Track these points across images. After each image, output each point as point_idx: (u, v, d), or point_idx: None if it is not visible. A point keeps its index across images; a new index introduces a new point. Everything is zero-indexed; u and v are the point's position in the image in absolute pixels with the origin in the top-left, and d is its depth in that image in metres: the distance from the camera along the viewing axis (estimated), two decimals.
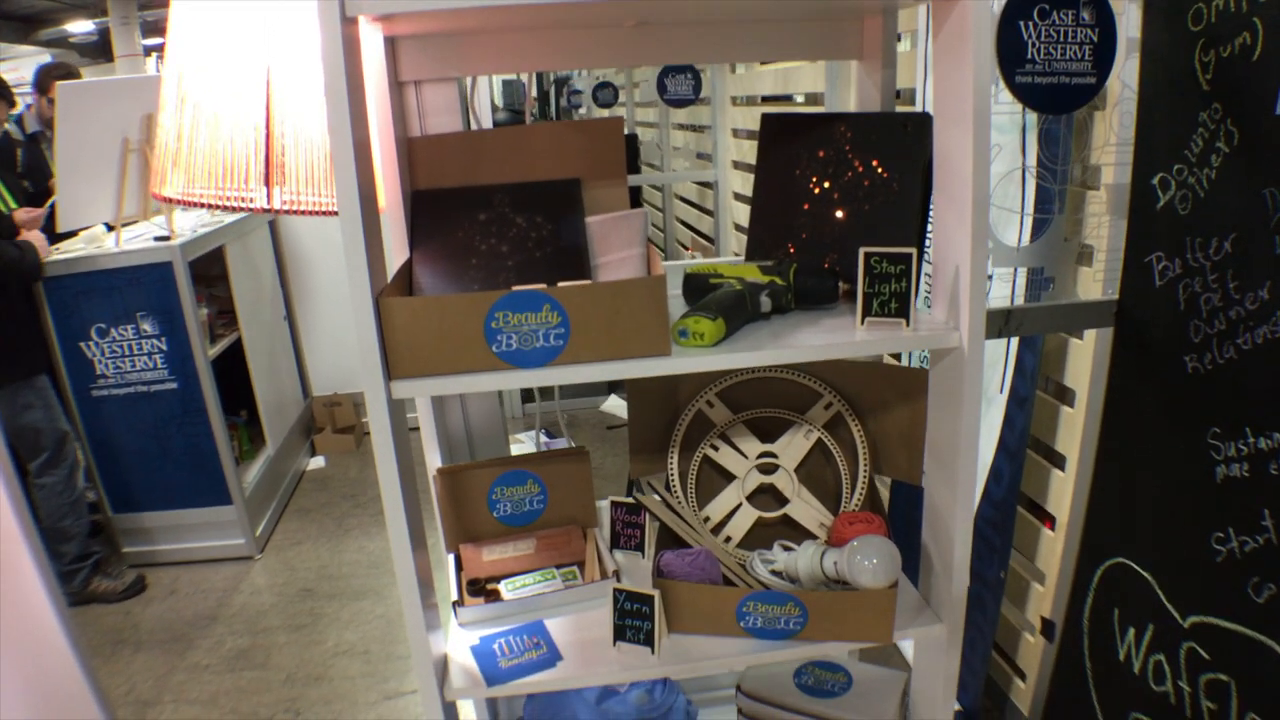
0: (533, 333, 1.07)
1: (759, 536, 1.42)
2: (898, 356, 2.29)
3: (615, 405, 4.46)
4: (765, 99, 3.70)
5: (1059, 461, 1.89)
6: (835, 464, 1.42)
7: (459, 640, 1.31)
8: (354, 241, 1.02)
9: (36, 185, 3.34)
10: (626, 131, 5.41)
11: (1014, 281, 1.85)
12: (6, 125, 3.43)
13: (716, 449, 1.45)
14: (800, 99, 3.35)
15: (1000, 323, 1.56)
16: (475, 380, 1.09)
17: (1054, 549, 1.88)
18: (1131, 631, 1.55)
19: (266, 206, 1.27)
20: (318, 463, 4.19)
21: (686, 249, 5.24)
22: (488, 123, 1.89)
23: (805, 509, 1.42)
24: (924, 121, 1.26)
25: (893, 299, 1.15)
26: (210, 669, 2.64)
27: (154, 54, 7.00)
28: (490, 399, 1.72)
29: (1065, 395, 1.86)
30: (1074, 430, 1.80)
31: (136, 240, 3.12)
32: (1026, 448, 1.84)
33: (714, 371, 1.45)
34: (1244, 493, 1.30)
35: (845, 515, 1.37)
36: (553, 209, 1.28)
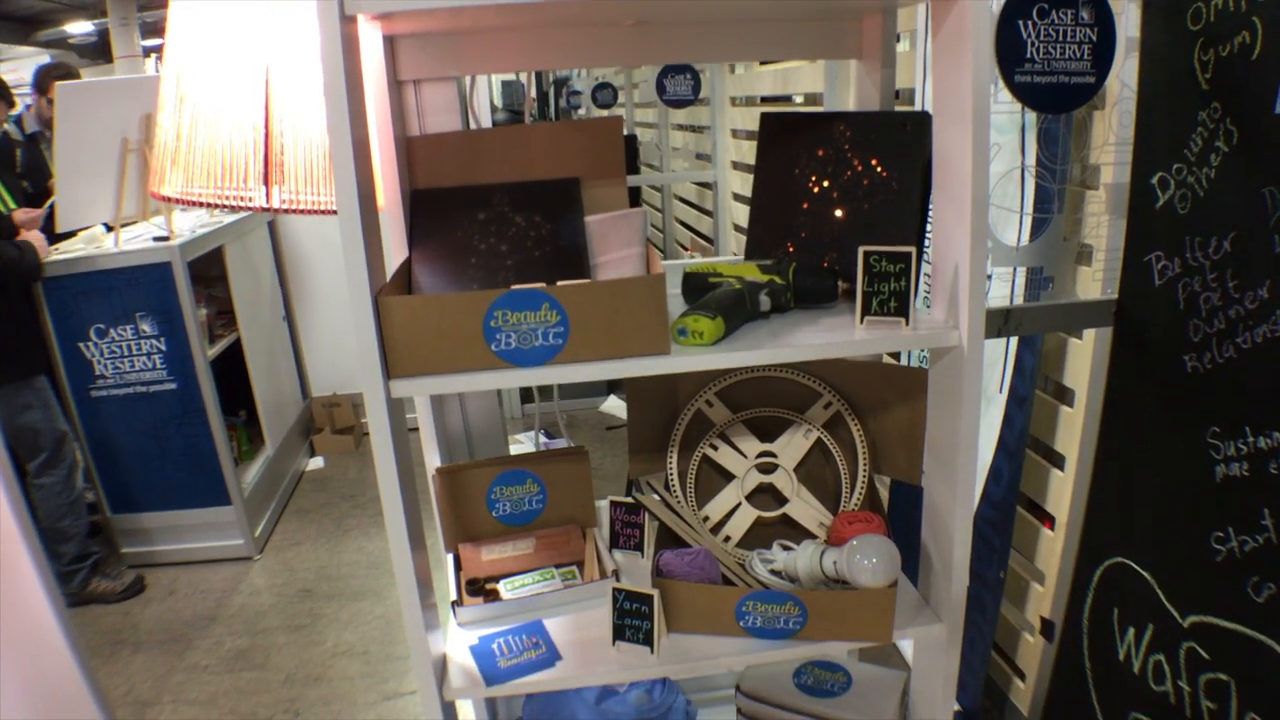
0: (532, 331, 1.07)
1: (758, 536, 1.41)
2: (897, 356, 2.28)
3: (614, 406, 4.46)
4: (764, 99, 3.70)
5: (1058, 461, 1.88)
6: (835, 463, 1.42)
7: (458, 640, 1.31)
8: (353, 240, 1.02)
9: (36, 185, 3.34)
10: (626, 132, 5.41)
11: (1013, 281, 1.85)
12: (6, 126, 3.43)
13: (716, 448, 1.45)
14: (799, 99, 3.35)
15: (999, 322, 1.56)
16: (474, 379, 1.09)
17: (1053, 549, 1.88)
18: (1131, 631, 1.55)
19: (265, 206, 1.26)
20: (317, 463, 4.19)
21: (686, 250, 5.23)
22: (487, 123, 1.89)
23: (804, 508, 1.42)
24: (923, 120, 1.26)
25: (892, 298, 1.15)
26: (209, 669, 2.64)
27: (153, 55, 6.99)
28: (489, 399, 1.71)
29: (1064, 395, 1.86)
30: (1073, 430, 1.80)
31: (136, 241, 3.12)
32: (1026, 447, 1.84)
33: (713, 371, 1.45)
34: (1244, 492, 1.30)
35: (844, 515, 1.36)
36: (552, 208, 1.27)
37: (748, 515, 1.42)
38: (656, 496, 1.44)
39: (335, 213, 1.03)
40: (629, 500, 1.50)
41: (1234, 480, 1.32)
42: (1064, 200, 1.73)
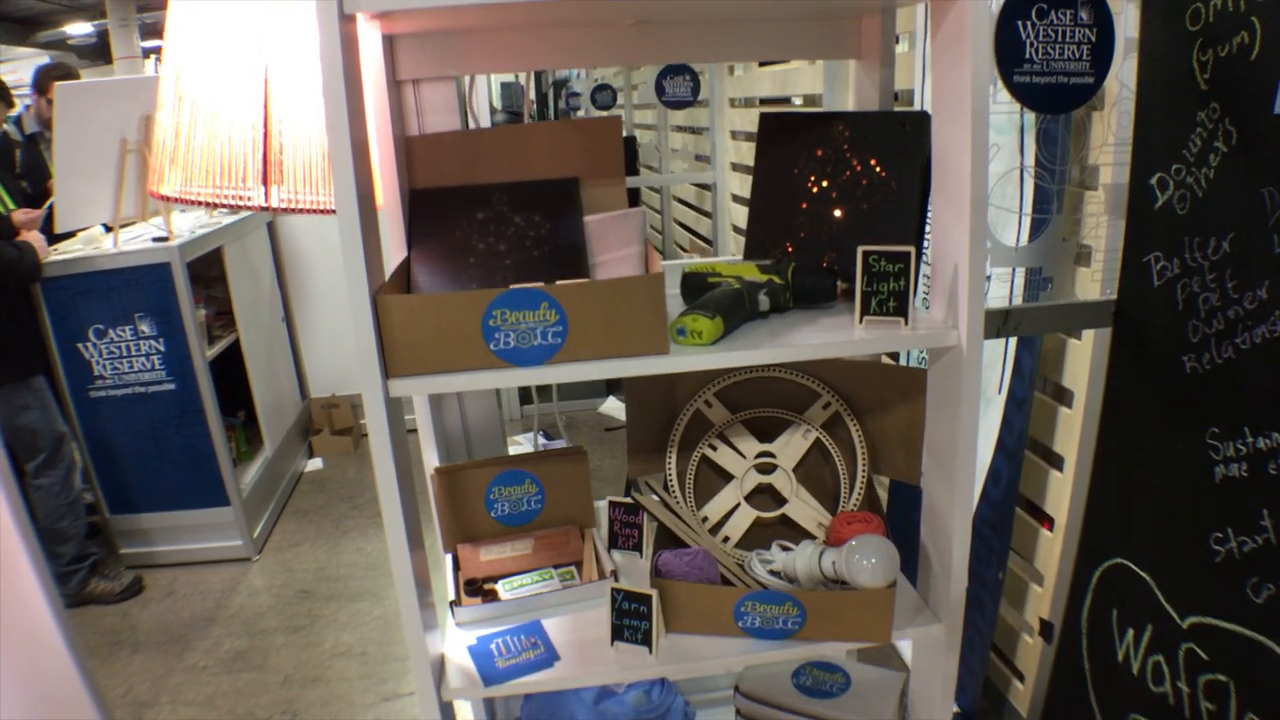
0: (530, 331, 1.07)
1: (757, 536, 1.41)
2: (896, 356, 2.28)
3: (613, 407, 4.46)
4: (763, 101, 3.70)
5: (1057, 462, 1.88)
6: (833, 464, 1.42)
7: (456, 640, 1.30)
8: (351, 239, 1.02)
9: (35, 186, 3.34)
10: (625, 134, 5.41)
11: (1012, 282, 1.85)
12: (5, 126, 3.43)
13: (715, 449, 1.45)
14: (798, 101, 3.35)
15: (998, 323, 1.56)
16: (473, 378, 1.09)
17: (1052, 550, 1.88)
18: (1130, 632, 1.54)
19: (264, 205, 1.26)
20: (315, 464, 4.19)
21: (685, 251, 5.24)
22: (486, 124, 1.89)
23: (803, 509, 1.41)
24: (922, 120, 1.26)
25: (891, 297, 1.15)
26: (207, 670, 2.64)
27: (153, 56, 7.00)
28: (488, 399, 1.71)
29: (1063, 396, 1.86)
30: (1072, 431, 1.79)
31: (135, 241, 3.11)
32: (1025, 449, 1.84)
33: (712, 371, 1.45)
34: (1243, 493, 1.30)
35: (843, 515, 1.36)
36: (551, 208, 1.27)
37: (746, 515, 1.42)
38: (655, 497, 1.44)
39: (334, 212, 1.03)
40: (628, 500, 1.50)
41: (1233, 481, 1.32)
42: (1063, 201, 1.73)
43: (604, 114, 5.02)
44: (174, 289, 3.01)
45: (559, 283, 1.08)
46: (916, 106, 2.18)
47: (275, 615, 2.93)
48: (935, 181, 1.21)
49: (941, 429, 1.26)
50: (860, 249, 1.15)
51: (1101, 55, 1.45)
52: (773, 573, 1.30)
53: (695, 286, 1.30)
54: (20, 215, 2.91)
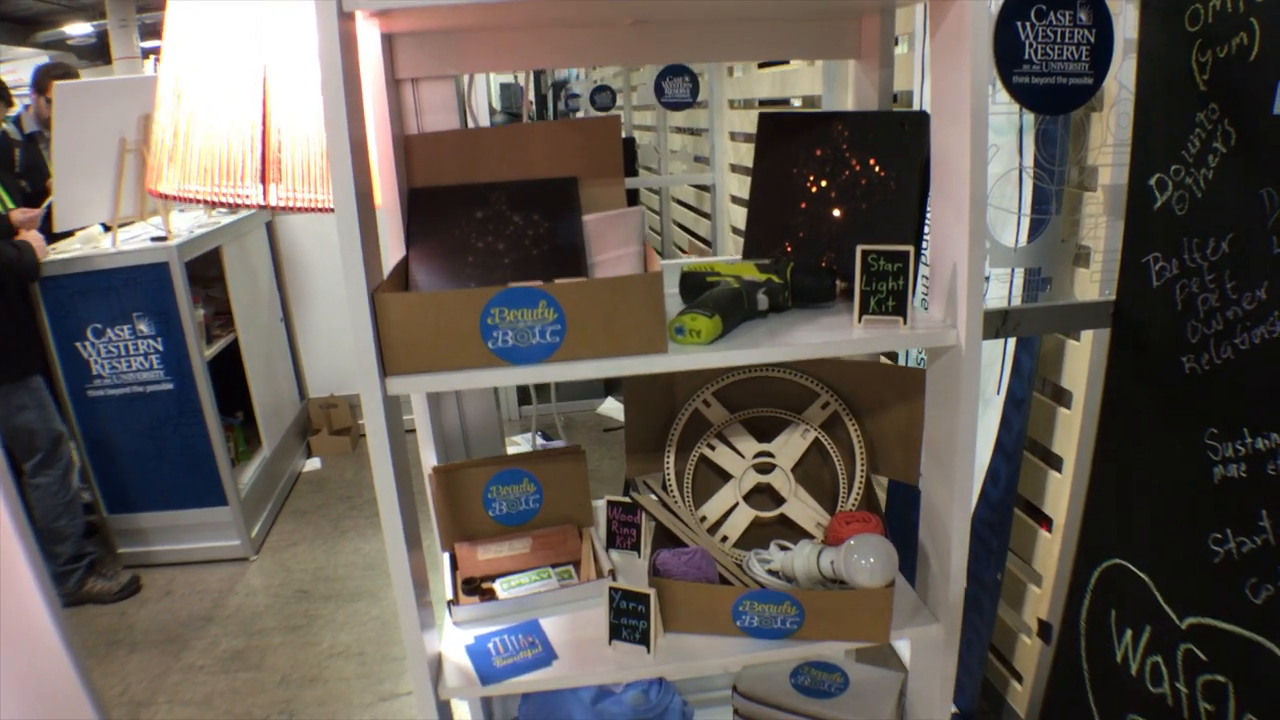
0: (529, 329, 1.07)
1: (756, 536, 1.41)
2: (894, 357, 2.28)
3: (612, 408, 4.46)
4: (762, 103, 3.70)
5: (1056, 463, 1.88)
6: (832, 464, 1.42)
7: (454, 639, 1.30)
8: (350, 238, 1.01)
9: (34, 185, 3.34)
10: (624, 135, 5.42)
11: (1011, 282, 1.85)
12: (4, 126, 3.43)
13: (713, 448, 1.45)
14: (798, 103, 3.35)
15: (997, 323, 1.56)
16: (471, 377, 1.09)
17: (1051, 551, 1.88)
18: (1129, 633, 1.54)
19: (263, 203, 1.26)
20: (314, 464, 4.18)
21: (684, 252, 5.24)
22: (485, 125, 1.89)
23: (802, 508, 1.41)
24: (921, 120, 1.26)
25: (890, 297, 1.15)
26: (205, 670, 2.63)
27: (152, 56, 7.00)
28: (486, 399, 1.71)
29: (1062, 397, 1.86)
30: (1071, 432, 1.79)
31: (133, 241, 3.11)
32: (1023, 449, 1.84)
33: (711, 370, 1.45)
34: (1242, 493, 1.30)
35: (842, 514, 1.36)
36: (550, 207, 1.27)
37: (745, 515, 1.42)
38: (653, 496, 1.44)
39: (332, 210, 1.03)
40: (626, 500, 1.50)
41: (1232, 481, 1.32)
42: (1062, 201, 1.74)
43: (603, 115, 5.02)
44: (172, 289, 3.01)
45: (557, 281, 1.07)
46: (915, 108, 2.18)
47: (273, 615, 2.92)
48: (934, 181, 1.21)
49: (940, 429, 1.25)
50: (859, 248, 1.15)
51: (1100, 56, 1.45)
52: (771, 572, 1.30)
53: (694, 286, 1.30)
54: (19, 214, 2.90)
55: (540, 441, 3.77)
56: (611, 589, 1.23)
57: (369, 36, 1.26)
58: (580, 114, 6.24)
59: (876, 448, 1.42)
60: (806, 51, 1.50)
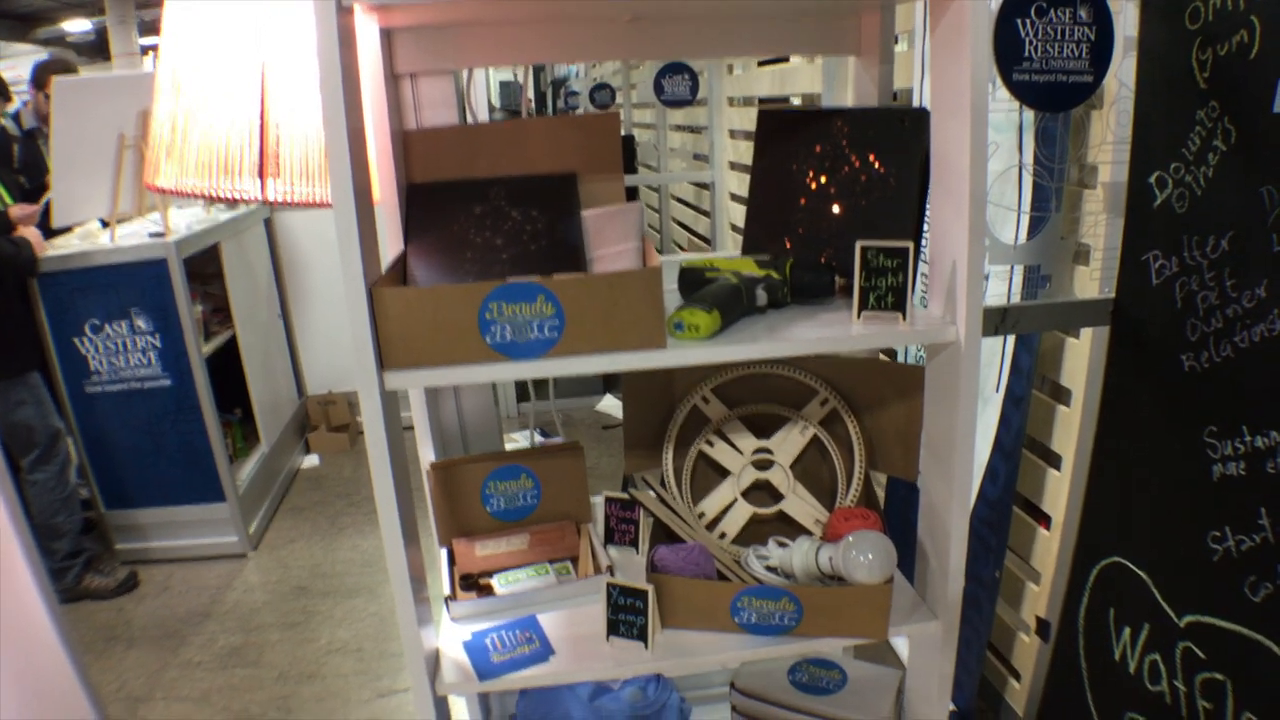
0: (527, 324, 1.06)
1: (754, 533, 1.41)
2: (893, 354, 2.28)
3: (610, 405, 4.46)
4: (762, 100, 3.69)
5: (1055, 461, 1.88)
6: (831, 460, 1.42)
7: (451, 635, 1.30)
8: (348, 233, 1.01)
9: (32, 181, 3.33)
10: (623, 132, 5.41)
11: (1010, 279, 1.85)
12: (3, 121, 3.42)
13: (712, 445, 1.45)
14: (797, 100, 3.35)
15: (997, 320, 1.56)
16: (469, 372, 1.09)
17: (1050, 549, 1.88)
18: (1127, 631, 1.54)
19: (260, 198, 1.26)
20: (312, 461, 4.18)
21: (683, 250, 5.24)
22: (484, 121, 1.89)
23: (800, 505, 1.41)
24: (921, 116, 1.26)
25: (889, 293, 1.15)
26: (202, 666, 2.63)
27: (151, 53, 6.99)
28: (484, 395, 1.71)
29: (1061, 394, 1.86)
30: (1070, 430, 1.79)
31: (131, 237, 3.11)
32: (1022, 447, 1.84)
33: (709, 366, 1.44)
34: (1241, 491, 1.30)
35: (841, 511, 1.36)
36: (548, 203, 1.27)
37: (743, 511, 1.42)
38: (652, 492, 1.43)
39: (330, 205, 1.03)
40: (624, 496, 1.49)
41: (1231, 480, 1.32)
42: (1062, 199, 1.73)
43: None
44: (170, 285, 3.00)
45: (556, 276, 1.07)
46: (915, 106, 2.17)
47: (270, 611, 2.92)
48: (934, 178, 1.20)
49: (939, 426, 1.25)
50: (858, 244, 1.15)
51: (1101, 54, 1.45)
52: (769, 569, 1.30)
53: (692, 281, 1.30)
54: (17, 210, 2.90)
55: (539, 439, 3.77)
56: (609, 585, 1.23)
57: (367, 31, 1.26)
58: (580, 111, 6.24)
59: (875, 444, 1.42)
60: (806, 48, 1.50)
